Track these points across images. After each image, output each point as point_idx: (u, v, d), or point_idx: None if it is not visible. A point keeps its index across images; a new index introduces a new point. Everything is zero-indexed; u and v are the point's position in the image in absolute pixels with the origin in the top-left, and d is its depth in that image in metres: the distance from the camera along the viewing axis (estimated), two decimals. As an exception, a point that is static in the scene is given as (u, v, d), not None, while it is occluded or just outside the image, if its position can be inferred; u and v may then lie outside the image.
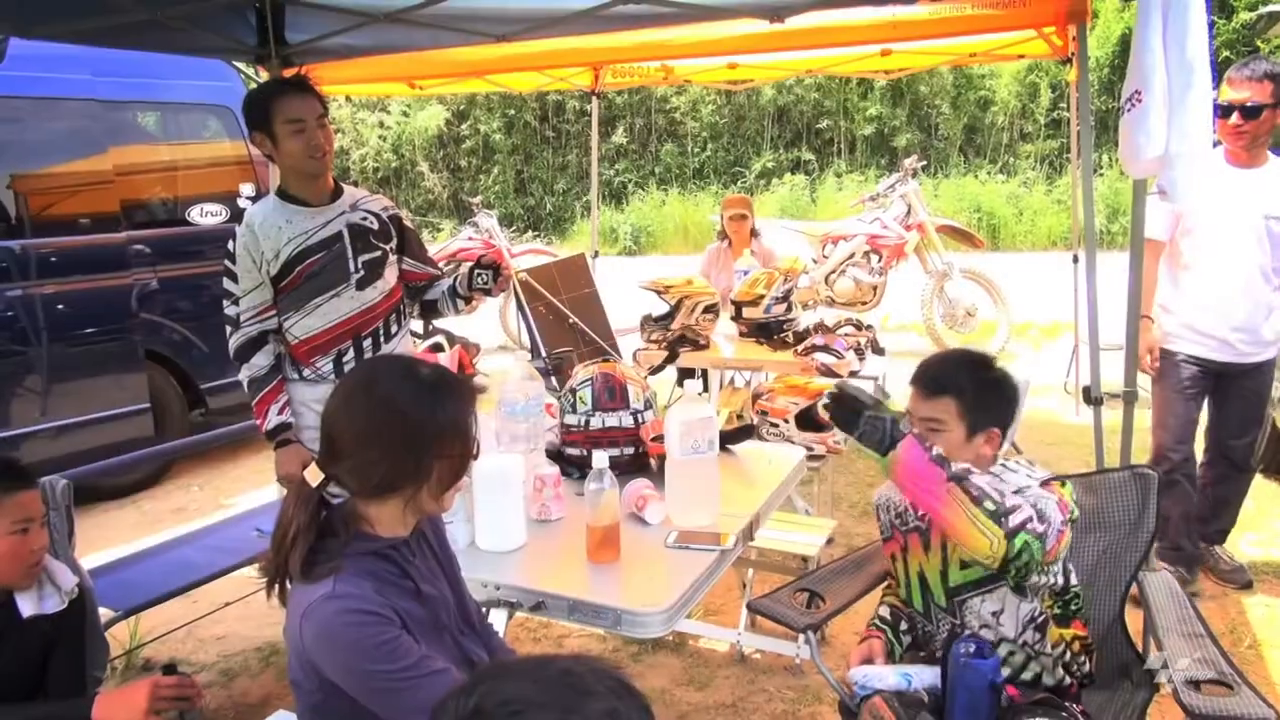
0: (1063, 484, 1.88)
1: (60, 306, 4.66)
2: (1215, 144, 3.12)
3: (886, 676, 1.88)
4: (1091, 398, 2.91)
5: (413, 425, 1.45)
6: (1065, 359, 6.05)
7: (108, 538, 4.41)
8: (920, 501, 1.82)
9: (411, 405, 1.45)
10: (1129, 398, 2.75)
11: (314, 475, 1.47)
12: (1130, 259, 2.66)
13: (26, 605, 1.89)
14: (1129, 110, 2.31)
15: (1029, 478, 1.87)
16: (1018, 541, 1.70)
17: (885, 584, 2.25)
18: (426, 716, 1.38)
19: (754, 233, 5.56)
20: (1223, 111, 3.14)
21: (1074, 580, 1.96)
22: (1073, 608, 1.96)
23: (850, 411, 1.86)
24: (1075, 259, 5.46)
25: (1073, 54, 4.19)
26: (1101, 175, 12.17)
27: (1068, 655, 1.91)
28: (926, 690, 1.87)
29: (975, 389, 1.92)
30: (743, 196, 5.85)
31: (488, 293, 2.73)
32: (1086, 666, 1.95)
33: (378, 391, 1.47)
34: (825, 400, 1.92)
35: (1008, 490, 1.80)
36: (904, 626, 2.09)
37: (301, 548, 1.43)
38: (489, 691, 0.81)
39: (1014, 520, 1.71)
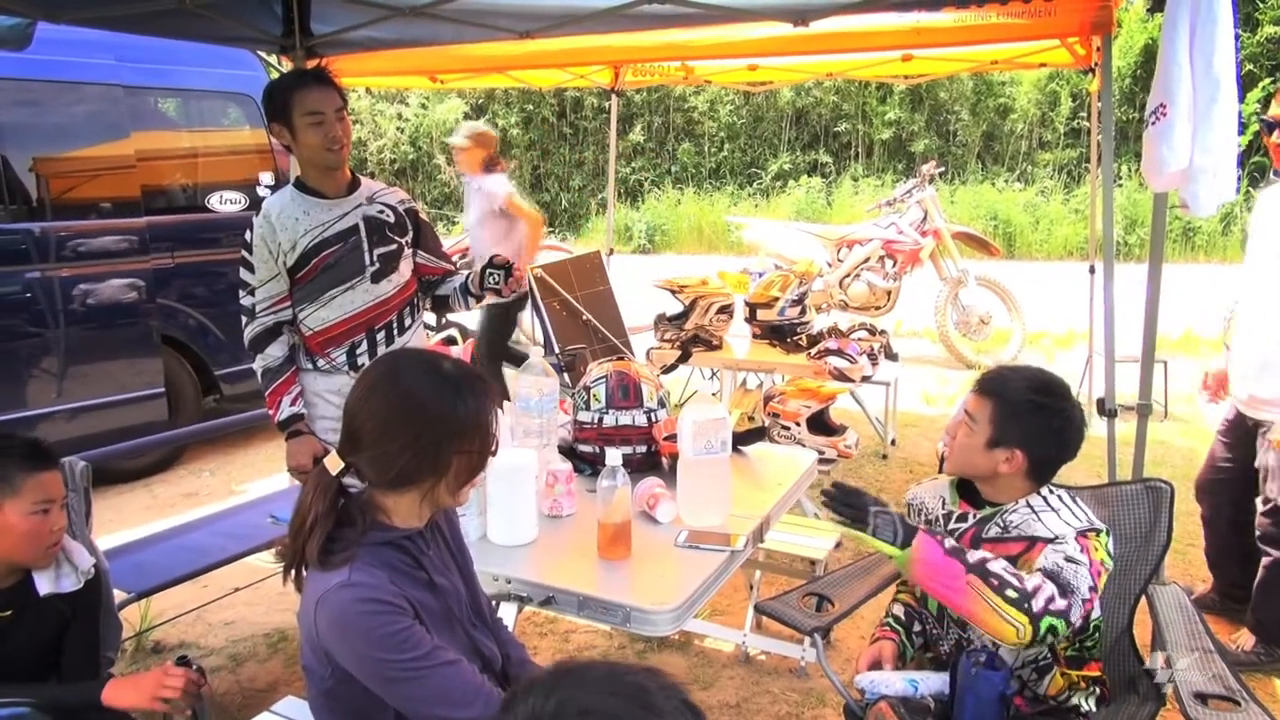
0: (1099, 534, 1.81)
1: (78, 290, 4.70)
2: (1241, 158, 3.04)
3: (894, 682, 1.88)
4: (1105, 409, 2.91)
5: (434, 420, 1.46)
6: (1079, 370, 6.03)
7: (119, 520, 4.44)
8: (941, 597, 1.78)
9: (434, 400, 1.46)
10: (1143, 410, 2.75)
11: (334, 464, 1.49)
12: (1149, 270, 2.66)
13: (44, 584, 1.91)
14: (1153, 123, 2.31)
15: (1067, 525, 1.81)
16: (1043, 625, 1.68)
17: (899, 579, 2.24)
18: (435, 705, 1.41)
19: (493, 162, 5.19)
20: (1268, 128, 2.99)
21: (1096, 614, 1.89)
22: (1089, 648, 1.92)
23: (854, 506, 1.83)
24: (1091, 269, 5.44)
25: (1096, 64, 4.17)
26: (1120, 186, 12.11)
27: (1070, 700, 1.88)
28: (933, 697, 1.87)
29: (1016, 401, 1.86)
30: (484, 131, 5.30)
31: (498, 292, 2.74)
32: (1091, 704, 1.91)
33: (401, 385, 1.48)
34: (824, 497, 1.89)
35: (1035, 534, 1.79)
36: (916, 628, 2.09)
37: (319, 535, 1.44)
38: (568, 698, 0.84)
39: (1037, 605, 1.67)
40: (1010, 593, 1.68)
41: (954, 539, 1.89)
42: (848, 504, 1.85)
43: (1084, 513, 1.86)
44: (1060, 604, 1.68)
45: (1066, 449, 1.88)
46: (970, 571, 1.71)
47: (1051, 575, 1.73)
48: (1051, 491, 1.90)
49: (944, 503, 2.01)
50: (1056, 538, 1.79)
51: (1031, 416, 1.84)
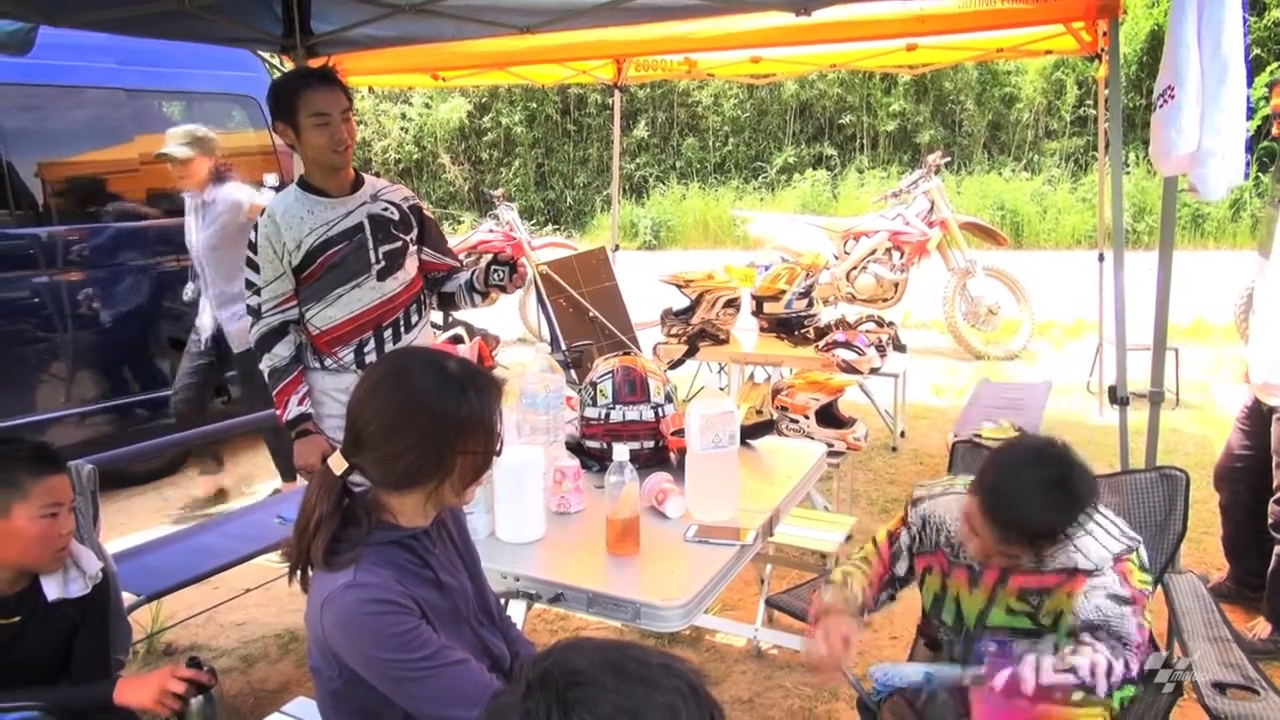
0: (1134, 553, 1.76)
1: (84, 293, 4.71)
2: (1249, 143, 3.01)
3: (908, 674, 1.86)
4: (1117, 398, 2.88)
5: (438, 420, 1.44)
6: (1089, 359, 6.00)
7: (129, 523, 4.45)
8: None
9: (438, 399, 1.45)
10: (1155, 398, 2.73)
11: (338, 464, 1.48)
12: (1160, 256, 2.63)
13: (52, 589, 1.91)
14: (1161, 106, 2.28)
15: (1104, 550, 1.74)
16: (1117, 701, 1.65)
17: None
18: (443, 706, 1.40)
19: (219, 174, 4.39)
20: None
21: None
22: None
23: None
24: (1100, 257, 5.40)
25: (1102, 50, 4.14)
26: (1128, 174, 12.04)
27: None
28: (947, 688, 1.85)
29: (1047, 533, 1.70)
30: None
31: (504, 289, 2.73)
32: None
33: (405, 384, 1.47)
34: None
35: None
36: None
37: (324, 536, 1.43)
38: (561, 659, 0.83)
39: (1102, 688, 1.63)
40: (1076, 695, 1.63)
41: (981, 567, 1.83)
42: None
43: (1115, 526, 1.79)
44: (1119, 670, 1.63)
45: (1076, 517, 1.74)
46: (1036, 705, 1.64)
47: (1100, 629, 1.67)
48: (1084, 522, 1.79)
49: None
50: (1096, 569, 1.72)
51: (1066, 530, 1.69)
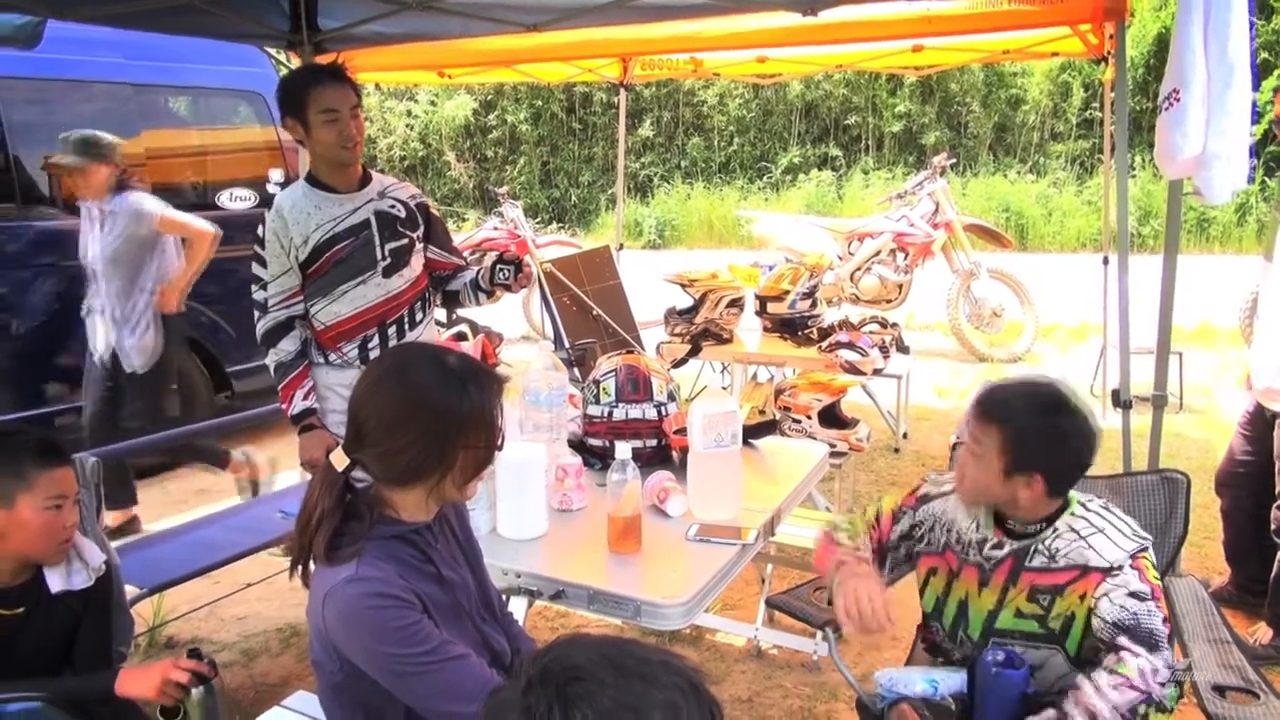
0: (1146, 551, 1.76)
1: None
2: (1254, 147, 2.99)
3: (913, 682, 1.84)
4: (1120, 401, 2.88)
5: (439, 415, 1.45)
6: (1092, 362, 5.99)
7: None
8: None
9: (439, 395, 1.45)
10: (1158, 402, 2.73)
11: (340, 460, 1.48)
12: (1164, 260, 2.63)
13: (55, 581, 1.91)
14: (1166, 109, 2.28)
15: (1119, 548, 1.73)
16: (1170, 701, 1.63)
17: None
18: (444, 700, 1.41)
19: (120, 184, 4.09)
20: None
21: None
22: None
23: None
24: (1105, 261, 5.39)
25: (1109, 52, 4.13)
26: (1134, 177, 12.02)
27: None
28: (954, 697, 1.84)
29: (1024, 426, 1.74)
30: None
31: (509, 288, 2.74)
32: None
33: (406, 379, 1.47)
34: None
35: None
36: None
37: (326, 530, 1.44)
38: (561, 655, 0.83)
39: (1157, 691, 1.62)
40: (1143, 710, 1.61)
41: (991, 565, 1.83)
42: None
43: (1126, 524, 1.78)
44: (1163, 671, 1.62)
45: (1085, 463, 1.78)
46: None
47: (1130, 631, 1.66)
48: (1086, 506, 1.81)
49: (978, 525, 1.88)
50: (1111, 567, 1.71)
51: (1046, 440, 1.73)
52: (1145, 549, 1.75)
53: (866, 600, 1.75)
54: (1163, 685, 1.62)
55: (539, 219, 14.11)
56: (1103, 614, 1.69)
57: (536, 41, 3.90)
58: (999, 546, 1.83)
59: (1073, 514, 1.80)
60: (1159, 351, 2.71)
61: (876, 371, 4.36)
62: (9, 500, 1.81)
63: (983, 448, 1.76)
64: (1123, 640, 1.65)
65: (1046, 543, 1.78)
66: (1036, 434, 1.72)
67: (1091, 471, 1.88)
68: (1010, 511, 1.82)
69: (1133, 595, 1.68)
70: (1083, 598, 1.72)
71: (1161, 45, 12.17)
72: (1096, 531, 1.75)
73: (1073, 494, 1.82)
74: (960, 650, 1.91)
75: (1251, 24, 2.28)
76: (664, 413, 2.52)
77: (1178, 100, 2.25)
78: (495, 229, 8.04)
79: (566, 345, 4.64)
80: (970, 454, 1.79)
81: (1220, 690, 1.75)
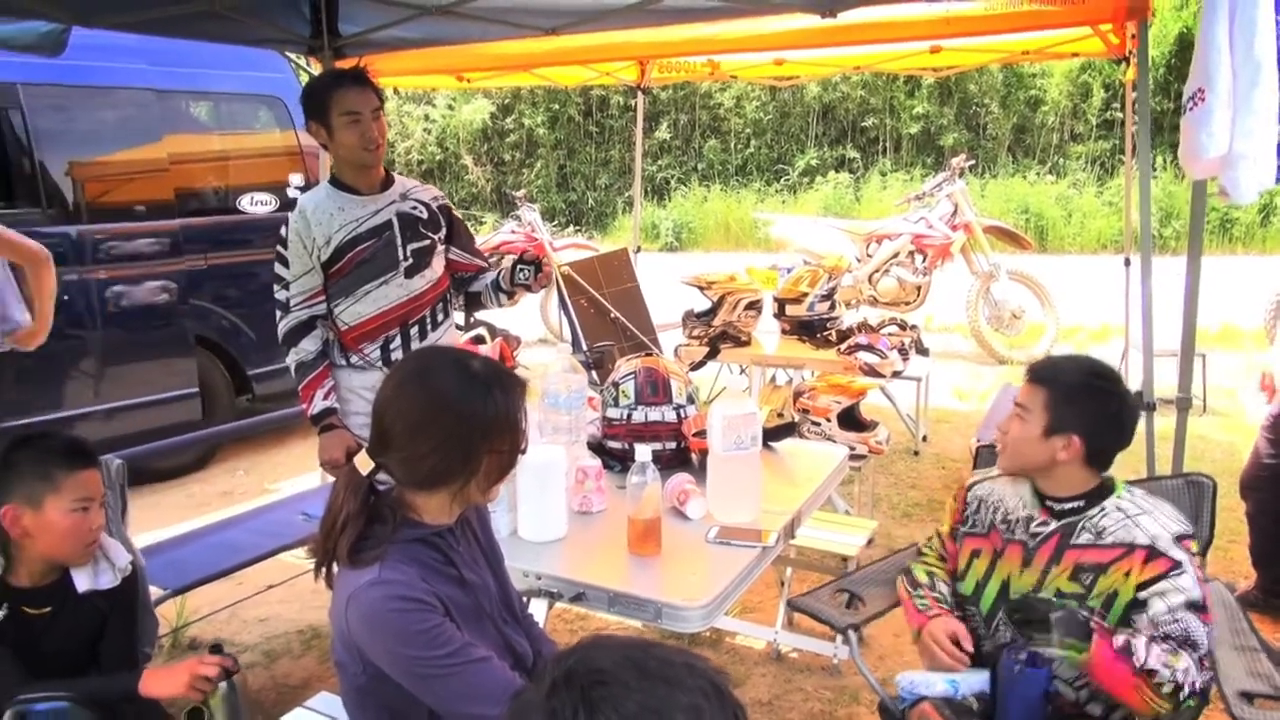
0: (1194, 539, 1.78)
1: (113, 292, 4.77)
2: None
3: (934, 683, 1.83)
4: (1144, 403, 2.86)
5: (464, 420, 1.45)
6: (1114, 364, 5.93)
7: (155, 519, 4.49)
8: (1108, 688, 1.72)
9: (463, 399, 1.45)
10: (1183, 404, 2.70)
11: (364, 464, 1.49)
12: (1188, 261, 2.60)
13: (82, 581, 1.94)
14: (1191, 109, 2.26)
15: (1163, 529, 1.74)
16: (1185, 705, 1.66)
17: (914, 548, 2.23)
18: (467, 703, 1.41)
19: None
20: None
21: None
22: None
23: (1030, 617, 1.74)
24: (1126, 262, 5.34)
25: (1130, 52, 4.10)
26: (1155, 178, 11.91)
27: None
28: (975, 696, 1.83)
29: (1069, 387, 1.83)
30: None
31: (529, 288, 2.76)
32: None
33: (430, 384, 1.47)
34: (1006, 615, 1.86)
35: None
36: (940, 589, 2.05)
37: (350, 533, 1.44)
38: (585, 658, 0.83)
39: (1185, 692, 1.65)
40: (1166, 688, 1.64)
41: (1035, 543, 1.86)
42: (1023, 617, 1.75)
43: (1172, 509, 1.81)
44: (1198, 679, 1.65)
45: (1124, 433, 1.85)
46: (1137, 675, 1.65)
47: (1179, 640, 1.67)
48: (1133, 492, 1.85)
49: (1024, 504, 1.92)
50: (1153, 544, 1.72)
51: (1088, 400, 1.82)
52: (1192, 535, 1.77)
53: (939, 651, 1.88)
54: (1192, 693, 1.64)
55: (556, 222, 14.13)
56: (1155, 615, 1.70)
57: (554, 45, 3.91)
58: (1044, 524, 1.87)
59: (1120, 497, 1.83)
60: (1183, 353, 2.69)
61: (896, 374, 4.34)
62: (37, 503, 1.83)
63: (1028, 410, 1.85)
64: (1169, 645, 1.67)
65: (1094, 520, 1.81)
66: (1079, 391, 1.82)
67: (1115, 476, 1.87)
68: (1048, 485, 1.87)
69: (1190, 607, 1.69)
70: (1128, 574, 1.73)
71: (1182, 45, 12.06)
72: (1144, 513, 1.79)
73: (1119, 480, 1.86)
74: (991, 640, 1.92)
75: (1278, 22, 2.26)
76: (683, 415, 2.51)
77: (1203, 100, 2.23)
78: (513, 232, 8.07)
79: (585, 348, 4.64)
80: (1016, 418, 1.88)
81: (1248, 697, 1.73)
